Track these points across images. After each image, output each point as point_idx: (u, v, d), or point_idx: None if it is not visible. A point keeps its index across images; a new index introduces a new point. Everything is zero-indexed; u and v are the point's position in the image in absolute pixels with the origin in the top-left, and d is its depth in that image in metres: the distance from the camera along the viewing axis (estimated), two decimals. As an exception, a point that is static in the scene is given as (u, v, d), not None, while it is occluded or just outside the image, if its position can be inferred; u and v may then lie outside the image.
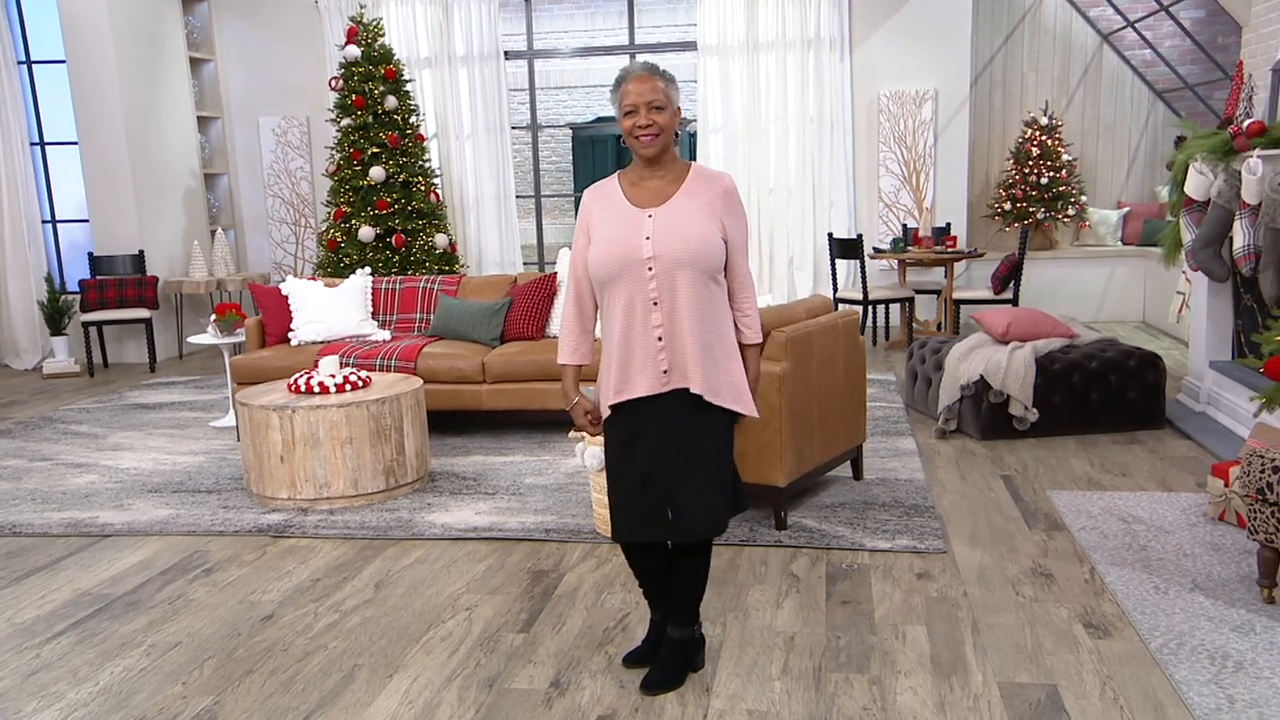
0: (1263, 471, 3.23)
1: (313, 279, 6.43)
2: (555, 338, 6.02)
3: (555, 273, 6.15)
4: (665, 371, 2.80)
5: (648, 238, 2.76)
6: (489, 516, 4.50)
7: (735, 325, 2.92)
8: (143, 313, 8.42)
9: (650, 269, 2.75)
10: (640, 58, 9.87)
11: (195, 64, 9.55)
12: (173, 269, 9.10)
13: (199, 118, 9.52)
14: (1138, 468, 4.98)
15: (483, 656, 3.23)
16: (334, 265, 8.11)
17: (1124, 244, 9.71)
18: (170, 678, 3.17)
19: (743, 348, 2.92)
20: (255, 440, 4.72)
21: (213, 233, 9.54)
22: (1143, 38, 9.70)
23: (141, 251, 8.67)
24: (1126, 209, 9.82)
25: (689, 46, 9.43)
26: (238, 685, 3.10)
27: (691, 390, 2.79)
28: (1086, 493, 4.57)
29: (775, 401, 4.01)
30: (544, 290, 6.02)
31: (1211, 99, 9.34)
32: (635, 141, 2.80)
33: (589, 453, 3.96)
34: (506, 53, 9.62)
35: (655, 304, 2.77)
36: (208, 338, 6.27)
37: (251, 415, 4.71)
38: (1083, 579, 3.65)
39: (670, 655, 3.03)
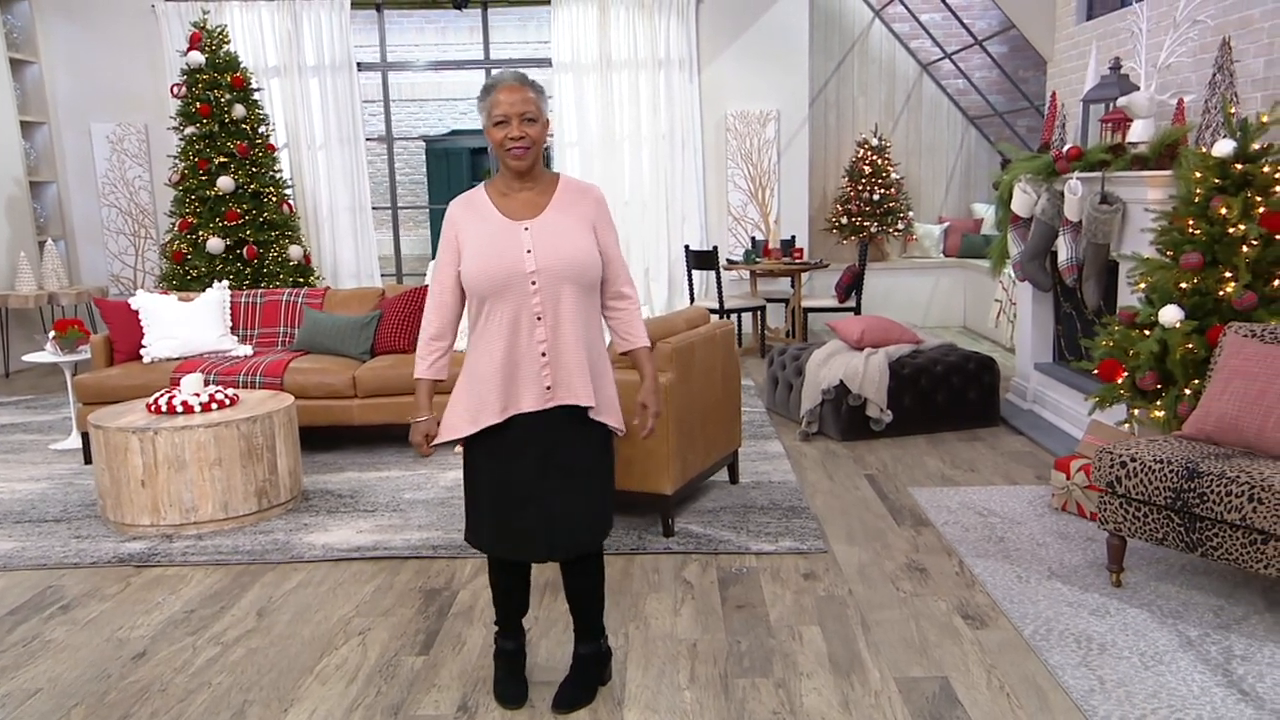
0: (1111, 466, 3.55)
1: (164, 292, 6.10)
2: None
3: (428, 285, 6.05)
4: (549, 388, 2.76)
5: (529, 251, 2.70)
6: (371, 535, 4.40)
7: (622, 333, 2.93)
8: (-38, 329, 7.79)
9: (534, 283, 2.70)
10: (495, 72, 9.84)
11: (16, 65, 8.86)
12: (-4, 282, 8.43)
13: (22, 122, 8.83)
14: (983, 463, 5.34)
15: (383, 683, 3.13)
16: (180, 278, 7.71)
17: (945, 256, 10.42)
18: (34, 730, 2.91)
19: (637, 352, 2.93)
20: (111, 464, 4.45)
21: (41, 244, 8.85)
22: (958, 68, 10.49)
23: (-41, 264, 8.02)
24: (947, 224, 10.54)
25: (543, 63, 9.46)
26: (115, 732, 2.88)
27: (580, 404, 2.76)
28: (943, 488, 4.87)
29: (662, 411, 4.10)
30: (415, 302, 5.91)
31: (1016, 124, 10.20)
32: (506, 154, 2.71)
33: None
34: (359, 64, 9.40)
35: (539, 319, 2.72)
36: (46, 355, 5.83)
37: (108, 438, 4.44)
38: (953, 571, 3.89)
39: (580, 672, 3.00)
